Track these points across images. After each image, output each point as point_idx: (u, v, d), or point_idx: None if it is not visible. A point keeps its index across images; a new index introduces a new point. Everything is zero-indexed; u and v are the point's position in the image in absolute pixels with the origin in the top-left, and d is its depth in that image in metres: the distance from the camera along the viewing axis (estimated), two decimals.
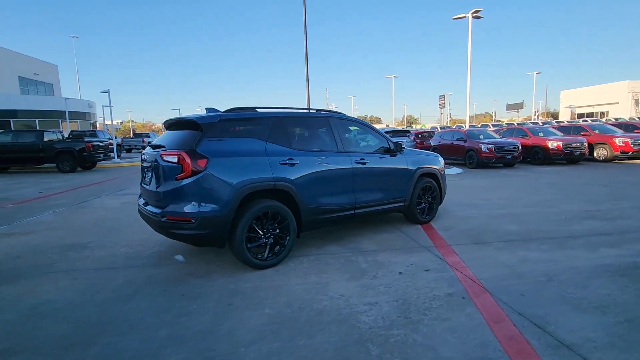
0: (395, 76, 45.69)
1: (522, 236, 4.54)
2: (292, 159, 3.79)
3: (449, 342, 2.28)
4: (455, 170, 12.42)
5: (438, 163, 5.52)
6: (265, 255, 3.61)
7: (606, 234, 4.52)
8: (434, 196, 5.39)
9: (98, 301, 2.97)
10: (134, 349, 2.28)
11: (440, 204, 5.70)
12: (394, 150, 4.87)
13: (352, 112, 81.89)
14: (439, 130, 19.48)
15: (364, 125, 4.90)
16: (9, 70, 28.18)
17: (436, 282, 3.20)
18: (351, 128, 4.80)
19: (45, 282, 3.39)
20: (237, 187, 3.36)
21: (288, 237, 3.74)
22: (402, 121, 71.18)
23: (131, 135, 36.86)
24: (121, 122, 79.74)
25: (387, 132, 15.90)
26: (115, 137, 24.18)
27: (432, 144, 15.87)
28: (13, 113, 26.32)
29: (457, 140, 14.30)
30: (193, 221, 3.23)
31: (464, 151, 13.69)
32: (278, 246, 3.72)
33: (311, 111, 4.41)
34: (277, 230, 3.71)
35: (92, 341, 2.37)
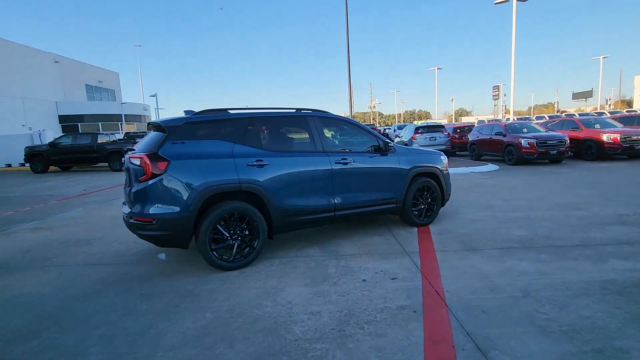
0: (438, 68, 43.51)
1: (524, 243, 4.07)
2: (261, 160, 3.74)
3: None
4: (489, 167, 11.55)
5: (439, 162, 5.14)
6: (232, 257, 3.61)
7: (628, 243, 3.90)
8: (433, 197, 5.04)
9: (65, 297, 3.18)
10: (66, 345, 2.40)
11: (442, 206, 5.32)
12: (385, 149, 4.61)
13: (397, 107, 79.67)
14: (486, 122, 18.13)
15: (352, 124, 4.70)
16: (77, 79, 31.53)
17: (395, 293, 2.98)
18: (335, 127, 4.64)
19: (33, 276, 3.71)
20: (198, 189, 3.39)
21: (257, 239, 3.72)
22: (452, 115, 67.83)
23: None
24: None
25: (419, 128, 15.29)
26: None
27: (469, 139, 14.94)
28: (80, 117, 29.50)
29: (496, 134, 13.25)
30: (154, 222, 3.33)
31: (502, 146, 12.66)
32: (248, 248, 3.71)
33: (290, 111, 4.31)
34: (246, 232, 3.69)
35: (34, 335, 2.53)
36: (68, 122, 28.90)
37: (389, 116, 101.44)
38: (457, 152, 16.67)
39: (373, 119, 75.71)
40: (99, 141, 16.34)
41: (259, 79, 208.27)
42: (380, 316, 2.60)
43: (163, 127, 3.52)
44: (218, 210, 3.49)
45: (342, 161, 4.24)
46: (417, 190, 4.88)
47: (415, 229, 4.84)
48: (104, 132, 18.77)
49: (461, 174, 10.60)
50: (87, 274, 3.69)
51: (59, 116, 28.91)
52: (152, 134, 3.76)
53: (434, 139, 14.78)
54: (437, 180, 5.10)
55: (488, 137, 13.79)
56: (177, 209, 3.34)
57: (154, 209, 3.33)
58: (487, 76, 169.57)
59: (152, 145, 3.46)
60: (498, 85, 55.26)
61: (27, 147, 16.50)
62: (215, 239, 3.54)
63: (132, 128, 29.00)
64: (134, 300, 3.06)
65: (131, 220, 3.45)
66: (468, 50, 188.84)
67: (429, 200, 5.02)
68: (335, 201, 4.20)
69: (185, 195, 3.36)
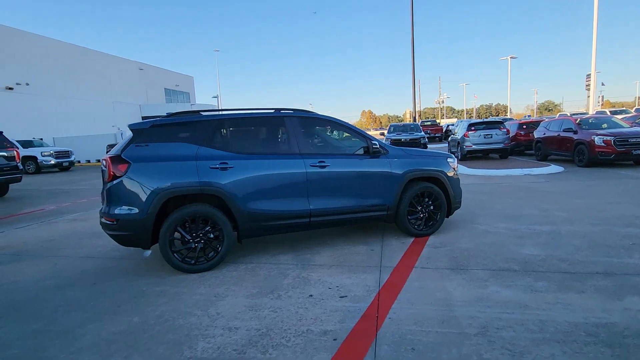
0: (512, 57, 39.07)
1: (527, 265, 3.39)
2: (226, 163, 3.66)
3: None
4: (551, 169, 10.05)
5: (444, 165, 4.55)
6: (194, 260, 3.60)
7: None
8: (436, 205, 4.48)
9: (41, 287, 3.46)
10: (6, 337, 2.58)
11: (450, 214, 4.72)
12: (376, 152, 4.22)
13: (468, 102, 73.96)
14: (557, 118, 15.78)
15: (338, 125, 4.37)
16: (157, 84, 35.23)
17: (332, 314, 2.67)
18: (319, 128, 4.36)
19: (34, 265, 4.13)
20: (156, 191, 3.43)
21: (221, 244, 3.66)
22: (534, 109, 60.98)
23: None
24: None
25: (472, 125, 13.96)
26: None
27: (535, 137, 13.22)
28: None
29: (565, 131, 11.49)
30: (115, 222, 3.46)
31: (572, 145, 10.93)
32: (213, 252, 3.68)
33: (268, 111, 4.15)
34: (211, 236, 3.66)
35: None
36: None
37: (460, 112, 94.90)
38: (524, 151, 14.91)
39: (441, 115, 71.54)
40: None
41: (322, 75, 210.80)
42: (294, 341, 2.34)
43: (130, 130, 3.64)
44: (177, 213, 3.50)
45: (318, 164, 3.97)
46: (415, 196, 4.38)
47: (412, 240, 4.35)
48: None
49: (511, 176, 9.40)
50: (76, 266, 4.00)
51: (142, 117, 32.52)
52: (126, 137, 3.92)
53: (489, 136, 13.36)
54: (442, 186, 4.53)
55: (556, 134, 12.03)
56: (136, 210, 3.43)
57: (115, 210, 3.46)
58: (580, 66, 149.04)
59: (119, 147, 3.60)
60: (591, 74, 48.22)
61: (108, 144, 18.82)
62: (176, 240, 3.57)
63: None
64: (91, 295, 3.21)
65: (102, 220, 3.64)
66: (555, 37, 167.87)
67: (432, 208, 4.48)
68: (311, 207, 3.95)
69: (143, 197, 3.43)
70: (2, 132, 9.48)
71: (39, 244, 5.03)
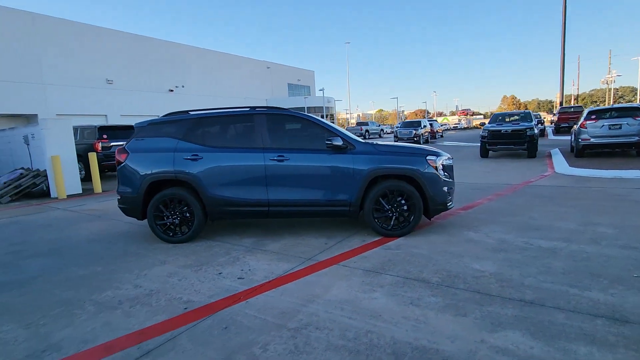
0: None
1: (450, 280, 3.03)
2: (197, 155, 4.34)
3: None
4: None
5: (418, 163, 4.21)
6: (172, 233, 4.44)
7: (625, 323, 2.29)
8: (410, 205, 4.22)
9: (80, 238, 4.86)
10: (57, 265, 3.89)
11: (430, 216, 4.36)
12: (338, 147, 4.25)
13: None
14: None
15: (306, 120, 4.49)
16: (281, 80, 39.20)
17: (213, 289, 3.06)
18: (288, 124, 4.56)
19: (101, 223, 5.69)
20: (143, 176, 4.36)
21: (192, 221, 4.39)
22: None
23: (354, 124, 42.15)
24: (361, 114, 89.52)
25: (592, 113, 11.24)
26: None
27: None
28: None
29: None
30: (120, 197, 4.55)
31: None
32: (187, 228, 4.45)
33: (243, 109, 4.61)
34: (187, 214, 4.42)
35: (21, 260, 4.18)
36: None
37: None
38: None
39: (612, 98, 57.12)
40: None
41: (453, 59, 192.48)
42: (161, 303, 2.85)
43: (133, 127, 4.67)
44: (159, 194, 4.37)
45: (277, 158, 4.27)
46: (384, 195, 4.22)
47: (376, 239, 4.23)
48: None
49: (615, 179, 7.42)
50: (119, 228, 5.36)
51: None
52: None
53: (617, 127, 10.51)
54: (417, 185, 4.22)
55: None
56: (130, 189, 4.44)
57: (120, 188, 4.56)
58: None
59: (126, 141, 4.67)
60: None
61: None
62: (158, 216, 4.43)
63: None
64: (104, 249, 4.38)
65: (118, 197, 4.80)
66: None
67: (404, 207, 4.24)
68: (269, 197, 4.30)
69: (135, 180, 4.41)
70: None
71: (117, 210, 6.77)
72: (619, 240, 3.80)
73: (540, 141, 18.99)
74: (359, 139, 4.59)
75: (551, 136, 23.12)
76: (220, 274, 3.43)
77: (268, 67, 37.33)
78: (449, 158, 4.55)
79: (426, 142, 24.41)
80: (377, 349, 2.12)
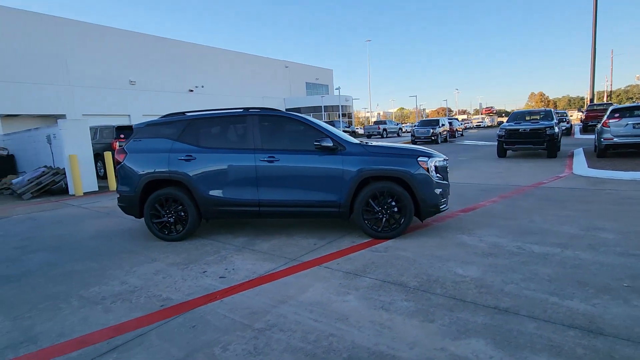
0: None
1: (429, 285, 2.97)
2: (190, 155, 4.44)
3: None
4: None
5: (409, 165, 4.14)
6: (167, 231, 4.56)
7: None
8: (401, 206, 4.16)
9: (84, 235, 5.07)
10: (57, 260, 4.10)
11: (422, 218, 4.30)
12: (329, 148, 4.24)
13: None
14: None
15: (297, 121, 4.48)
16: (299, 78, 39.38)
17: (193, 288, 3.13)
18: (280, 125, 4.57)
19: (105, 221, 5.92)
20: (140, 175, 4.50)
21: (187, 220, 4.50)
22: None
23: (371, 123, 41.85)
24: (381, 112, 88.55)
25: (616, 111, 10.70)
26: (349, 125, 28.73)
27: None
28: (298, 110, 37.03)
29: None
30: (119, 196, 4.72)
31: None
32: (181, 226, 4.57)
33: (237, 111, 4.67)
34: (182, 213, 4.54)
35: (27, 253, 4.40)
36: None
37: None
38: None
39: None
40: None
41: (478, 56, 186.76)
42: (141, 300, 2.95)
43: (133, 129, 4.82)
44: (155, 193, 4.50)
45: (268, 159, 4.30)
46: (374, 196, 4.19)
47: (365, 241, 4.20)
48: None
49: (633, 181, 7.05)
50: (123, 224, 5.56)
51: (286, 109, 37.22)
52: None
53: None
54: (407, 187, 4.16)
55: None
56: (128, 188, 4.60)
57: (119, 187, 4.72)
58: None
59: (126, 141, 4.83)
60: None
61: None
62: (155, 214, 4.56)
63: (332, 117, 33.81)
64: (101, 244, 4.56)
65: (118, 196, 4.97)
66: None
67: (395, 210, 4.19)
68: (260, 197, 4.35)
69: (133, 179, 4.55)
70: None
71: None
72: (619, 246, 3.62)
73: (565, 140, 18.31)
74: (352, 139, 4.56)
75: (578, 135, 22.19)
76: (204, 272, 3.50)
77: (286, 66, 37.61)
78: (443, 159, 4.45)
79: (445, 141, 23.93)
80: (334, 353, 2.11)
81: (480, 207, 5.63)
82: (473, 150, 16.32)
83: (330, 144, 4.21)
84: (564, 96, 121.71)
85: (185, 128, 4.60)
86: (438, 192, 4.22)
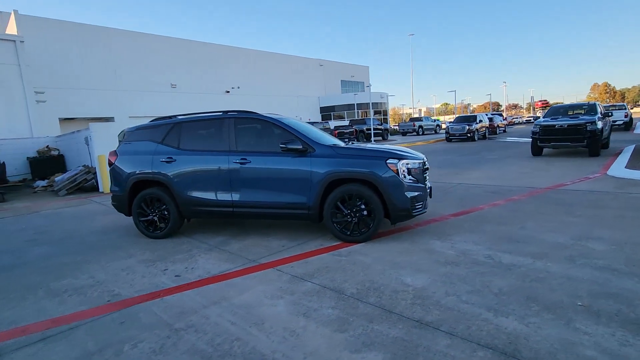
0: None
1: (367, 294, 2.88)
2: (171, 157, 4.65)
3: None
4: None
5: (376, 167, 4.01)
6: (152, 229, 4.83)
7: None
8: (370, 209, 4.06)
9: (88, 230, 5.50)
10: (55, 251, 4.55)
11: (394, 222, 4.17)
12: (297, 150, 4.24)
13: None
14: None
15: (272, 123, 4.49)
16: (334, 76, 39.27)
17: (145, 284, 3.29)
18: (254, 126, 4.62)
19: (107, 217, 6.37)
20: (128, 176, 4.80)
21: (169, 218, 4.73)
22: None
23: (406, 120, 40.62)
24: (424, 108, 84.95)
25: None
26: (381, 123, 28.21)
27: None
28: (332, 108, 36.98)
29: None
30: (112, 195, 5.06)
31: None
32: (164, 224, 4.80)
33: (216, 114, 4.78)
34: (165, 212, 4.78)
35: (34, 244, 4.87)
36: (325, 112, 37.03)
37: None
38: None
39: None
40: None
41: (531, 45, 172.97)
42: (95, 294, 3.16)
43: (125, 132, 5.14)
44: (141, 193, 4.78)
45: (240, 161, 4.39)
46: (343, 199, 4.12)
47: (334, 244, 4.15)
48: (320, 122, 23.08)
49: None
50: (126, 222, 5.96)
51: (320, 107, 37.39)
52: None
53: None
54: (377, 190, 4.04)
55: None
56: (118, 188, 4.92)
57: (112, 187, 5.07)
58: None
59: (118, 144, 5.16)
60: None
61: None
62: (141, 213, 4.83)
63: (365, 115, 33.36)
64: (97, 238, 4.94)
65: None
66: None
67: (365, 213, 4.09)
68: (233, 198, 4.45)
69: (122, 179, 4.86)
70: None
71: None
72: (603, 259, 3.24)
73: (622, 136, 16.52)
74: (329, 141, 4.52)
75: (638, 130, 20.00)
76: (165, 270, 3.67)
77: (321, 65, 37.72)
78: (419, 162, 4.25)
79: (483, 138, 22.70)
80: (229, 358, 2.13)
81: (477, 211, 5.30)
82: (508, 148, 15.31)
83: (298, 146, 4.19)
84: (634, 86, 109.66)
85: (168, 131, 4.83)
86: (410, 196, 4.04)
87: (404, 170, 4.06)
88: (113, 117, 23.40)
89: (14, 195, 10.48)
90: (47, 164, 13.89)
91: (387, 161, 4.04)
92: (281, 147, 4.21)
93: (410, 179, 4.10)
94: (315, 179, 4.15)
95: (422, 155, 4.58)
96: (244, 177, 4.40)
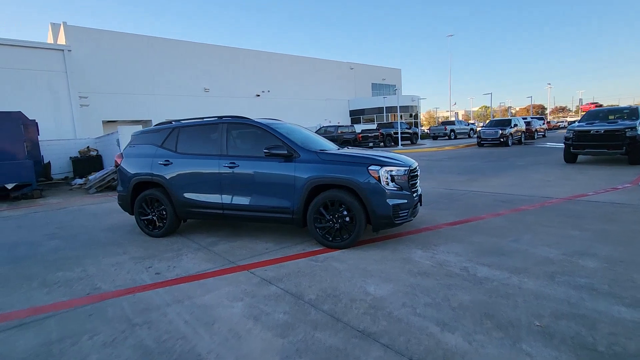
0: None
1: (318, 300, 2.88)
2: (168, 160, 4.89)
3: None
4: None
5: (357, 173, 3.99)
6: (152, 228, 5.09)
7: None
8: (352, 216, 4.05)
9: (100, 226, 5.90)
10: (62, 245, 4.96)
11: (376, 229, 4.12)
12: (282, 155, 4.31)
13: None
14: None
15: (261, 129, 4.58)
16: (365, 79, 38.95)
17: (125, 281, 3.49)
18: (246, 132, 4.74)
19: (117, 216, 6.77)
20: (131, 177, 5.11)
21: (167, 219, 4.98)
22: None
23: (437, 123, 39.37)
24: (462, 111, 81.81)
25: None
26: (410, 126, 27.62)
27: None
28: (362, 111, 36.71)
29: None
30: (118, 195, 5.40)
31: None
32: (161, 224, 5.06)
33: (212, 119, 4.97)
34: (164, 213, 5.03)
35: (42, 242, 5.29)
36: (355, 116, 36.85)
37: None
38: None
39: None
40: (339, 131, 20.69)
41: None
42: (80, 288, 3.41)
43: (131, 136, 5.46)
44: (142, 194, 5.07)
45: (229, 165, 4.53)
46: (325, 205, 4.14)
47: (316, 249, 4.17)
48: (344, 125, 23.05)
49: None
50: (126, 221, 6.34)
51: (350, 111, 37.24)
52: None
53: None
54: (358, 196, 4.02)
55: None
56: (122, 188, 5.24)
57: (118, 187, 5.41)
58: None
59: (125, 147, 5.49)
60: None
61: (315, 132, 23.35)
62: (142, 212, 5.12)
63: (394, 118, 32.79)
64: (97, 235, 5.30)
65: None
66: None
67: (346, 218, 4.09)
68: (223, 201, 4.61)
69: (126, 180, 5.18)
70: None
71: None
72: (587, 278, 3.02)
73: None
74: (315, 147, 4.55)
75: None
76: (149, 267, 3.87)
77: (351, 68, 37.62)
78: (404, 169, 4.16)
79: (518, 143, 21.63)
80: (166, 355, 2.23)
81: (476, 221, 5.09)
82: (542, 155, 14.48)
83: (283, 152, 4.26)
84: None
85: (167, 135, 5.09)
86: (392, 204, 3.98)
87: (386, 177, 4.00)
88: (150, 120, 24.75)
89: (53, 191, 11.41)
90: (86, 163, 14.97)
91: (369, 167, 4.00)
92: (265, 153, 4.30)
93: (393, 186, 4.04)
94: (298, 184, 4.20)
95: (411, 162, 4.49)
96: (233, 180, 4.53)
